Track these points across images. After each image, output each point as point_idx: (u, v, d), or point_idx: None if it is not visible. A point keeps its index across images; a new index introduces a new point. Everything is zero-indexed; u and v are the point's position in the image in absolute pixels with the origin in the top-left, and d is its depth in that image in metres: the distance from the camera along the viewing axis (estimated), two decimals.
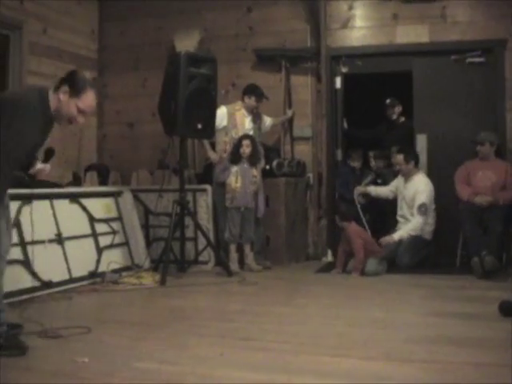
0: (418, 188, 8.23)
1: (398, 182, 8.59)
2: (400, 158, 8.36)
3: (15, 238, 6.41)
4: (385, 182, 8.89)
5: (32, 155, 4.56)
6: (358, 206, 8.67)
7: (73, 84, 4.39)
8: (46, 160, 4.80)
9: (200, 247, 8.15)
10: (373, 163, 9.39)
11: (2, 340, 4.35)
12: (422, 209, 8.08)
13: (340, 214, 7.95)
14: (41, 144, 4.56)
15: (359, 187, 8.79)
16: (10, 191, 6.47)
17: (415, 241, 8.09)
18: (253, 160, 8.07)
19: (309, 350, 4.39)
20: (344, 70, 9.47)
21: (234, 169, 7.99)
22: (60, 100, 4.37)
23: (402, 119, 9.46)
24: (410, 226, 8.17)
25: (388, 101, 9.43)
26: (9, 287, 5.92)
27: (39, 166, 4.71)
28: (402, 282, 7.23)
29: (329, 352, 4.33)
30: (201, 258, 8.16)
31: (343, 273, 7.77)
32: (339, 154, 9.42)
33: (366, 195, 8.82)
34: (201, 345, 4.55)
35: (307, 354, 4.31)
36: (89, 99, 4.45)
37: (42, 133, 4.45)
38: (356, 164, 9.28)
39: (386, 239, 8.06)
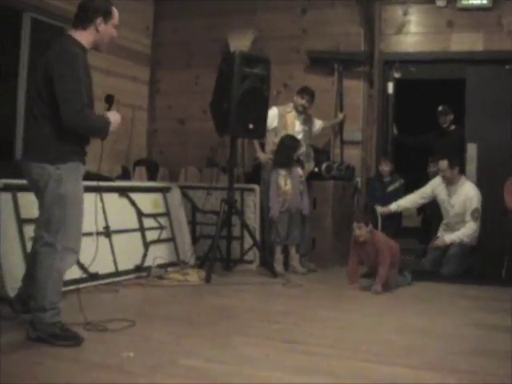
0: (467, 194, 8.10)
1: (435, 187, 8.41)
2: (444, 163, 8.18)
3: None
4: None
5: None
6: (379, 219, 8.47)
7: (103, 11, 4.60)
8: (109, 106, 4.89)
9: (246, 246, 8.18)
10: (430, 168, 9.27)
11: (57, 330, 4.44)
12: (476, 214, 7.97)
13: (357, 215, 7.83)
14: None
15: (379, 207, 8.52)
16: None
17: (462, 248, 8.00)
18: (297, 160, 8.11)
19: (353, 356, 4.40)
20: (397, 75, 9.45)
21: (282, 172, 7.99)
22: (99, 31, 4.60)
23: (453, 127, 9.38)
24: (463, 231, 8.04)
25: (440, 108, 9.34)
26: None
27: (109, 114, 4.75)
28: (447, 292, 7.16)
29: (373, 358, 4.34)
30: (246, 258, 8.18)
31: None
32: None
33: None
34: (246, 345, 4.58)
35: (351, 359, 4.32)
36: (116, 14, 4.72)
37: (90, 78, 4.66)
38: (383, 169, 9.12)
39: (437, 242, 8.01)
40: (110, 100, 4.95)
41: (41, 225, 4.55)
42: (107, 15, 4.60)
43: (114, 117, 4.60)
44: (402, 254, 7.42)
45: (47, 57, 4.49)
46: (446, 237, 8.04)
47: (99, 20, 4.55)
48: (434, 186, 8.42)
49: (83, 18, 4.58)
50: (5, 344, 4.35)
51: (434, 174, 8.90)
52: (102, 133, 4.56)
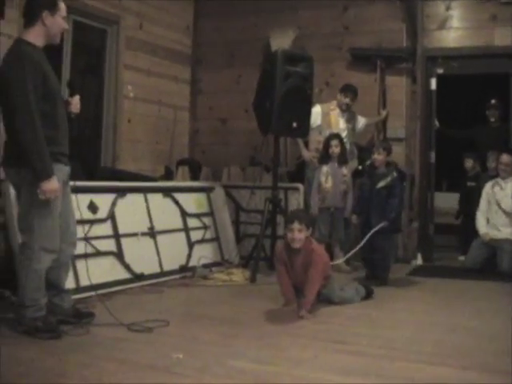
0: None
1: (490, 194, 8.23)
2: (509, 158, 8.11)
3: (110, 230, 6.55)
4: (480, 187, 8.62)
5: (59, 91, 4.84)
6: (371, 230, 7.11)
7: (48, 4, 4.66)
8: (71, 92, 5.06)
9: None
10: (466, 164, 9.25)
11: (39, 323, 4.64)
12: None
13: (297, 214, 6.02)
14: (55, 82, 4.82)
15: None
16: (106, 183, 6.69)
17: None
18: (342, 159, 8.00)
19: (403, 357, 4.34)
20: (439, 71, 9.31)
21: (324, 169, 7.93)
22: (46, 25, 4.65)
23: (498, 123, 9.29)
24: None
25: (493, 101, 9.28)
26: (102, 278, 6.09)
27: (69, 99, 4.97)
28: (497, 291, 7.00)
29: (424, 359, 4.27)
30: None
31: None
32: (433, 156, 9.24)
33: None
34: (294, 345, 4.56)
35: (402, 360, 4.26)
36: (63, 5, 4.78)
37: (47, 72, 4.70)
38: (375, 157, 7.25)
39: (491, 236, 7.97)
40: (72, 85, 5.15)
41: (18, 226, 4.85)
42: (53, 8, 4.67)
43: (52, 185, 4.53)
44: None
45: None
46: (499, 232, 7.99)
47: (45, 14, 4.63)
48: (489, 194, 8.26)
49: (30, 15, 4.68)
50: (54, 346, 4.40)
51: (471, 170, 9.09)
52: (36, 165, 4.48)
